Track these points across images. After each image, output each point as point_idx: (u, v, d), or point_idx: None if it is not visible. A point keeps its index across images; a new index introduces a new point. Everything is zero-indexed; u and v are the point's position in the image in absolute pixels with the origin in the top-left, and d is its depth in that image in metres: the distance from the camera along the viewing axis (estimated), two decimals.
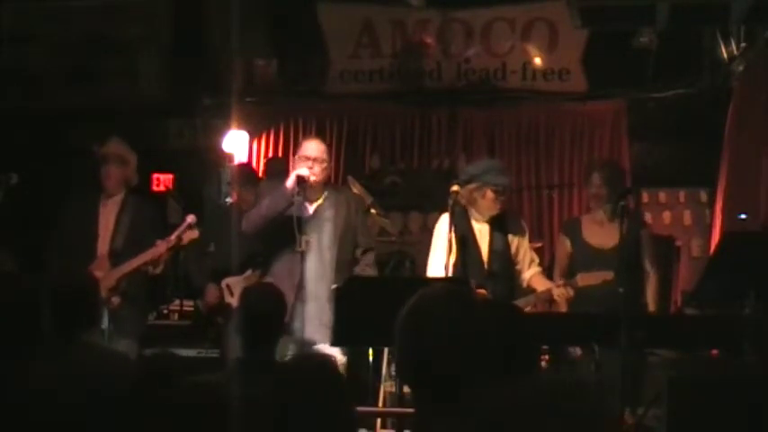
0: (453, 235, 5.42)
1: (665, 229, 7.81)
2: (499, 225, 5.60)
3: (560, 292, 5.45)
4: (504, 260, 5.57)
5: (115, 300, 5.46)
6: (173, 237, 5.65)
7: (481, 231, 5.57)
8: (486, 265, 5.51)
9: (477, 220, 5.57)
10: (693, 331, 5.05)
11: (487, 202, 5.49)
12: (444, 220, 5.55)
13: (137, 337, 5.67)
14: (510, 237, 5.61)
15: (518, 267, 5.66)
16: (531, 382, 1.91)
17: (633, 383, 5.09)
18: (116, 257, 5.61)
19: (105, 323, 5.30)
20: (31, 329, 3.16)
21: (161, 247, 5.58)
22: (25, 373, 3.04)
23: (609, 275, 5.40)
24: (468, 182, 5.51)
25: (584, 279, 5.53)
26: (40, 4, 8.36)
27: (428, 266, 5.66)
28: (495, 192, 5.49)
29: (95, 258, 5.59)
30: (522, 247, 5.66)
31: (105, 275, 5.40)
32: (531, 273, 5.64)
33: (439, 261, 5.52)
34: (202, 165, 8.47)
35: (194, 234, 5.71)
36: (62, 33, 8.35)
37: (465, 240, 5.45)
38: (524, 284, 5.64)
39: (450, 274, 5.40)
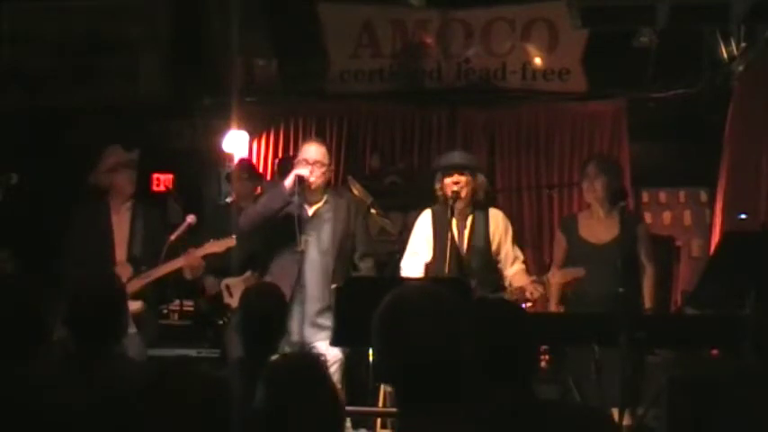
0: (433, 231, 5.47)
1: (665, 229, 7.80)
2: (480, 221, 5.56)
3: (533, 289, 5.43)
4: (483, 257, 5.52)
5: (137, 305, 5.45)
6: (173, 237, 5.66)
7: (461, 228, 5.53)
8: (464, 262, 5.46)
9: (456, 216, 5.53)
10: (693, 331, 5.05)
11: (446, 188, 5.46)
12: (422, 218, 5.60)
13: (151, 339, 5.69)
14: (491, 233, 5.57)
15: (500, 266, 5.60)
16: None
17: (633, 383, 5.10)
18: (135, 264, 5.63)
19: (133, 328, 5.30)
20: (33, 330, 3.15)
21: (195, 254, 5.60)
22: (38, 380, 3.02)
23: (581, 272, 5.41)
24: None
25: (556, 276, 5.54)
26: (40, 4, 8.36)
27: (401, 263, 5.68)
28: (444, 174, 5.47)
29: (114, 265, 5.57)
30: (504, 244, 5.59)
31: (130, 282, 5.39)
32: (513, 270, 5.58)
33: (409, 258, 5.60)
34: (202, 165, 8.48)
35: (231, 242, 5.69)
36: (62, 33, 8.35)
37: (443, 236, 5.43)
38: (507, 282, 5.61)
39: (428, 271, 5.47)
